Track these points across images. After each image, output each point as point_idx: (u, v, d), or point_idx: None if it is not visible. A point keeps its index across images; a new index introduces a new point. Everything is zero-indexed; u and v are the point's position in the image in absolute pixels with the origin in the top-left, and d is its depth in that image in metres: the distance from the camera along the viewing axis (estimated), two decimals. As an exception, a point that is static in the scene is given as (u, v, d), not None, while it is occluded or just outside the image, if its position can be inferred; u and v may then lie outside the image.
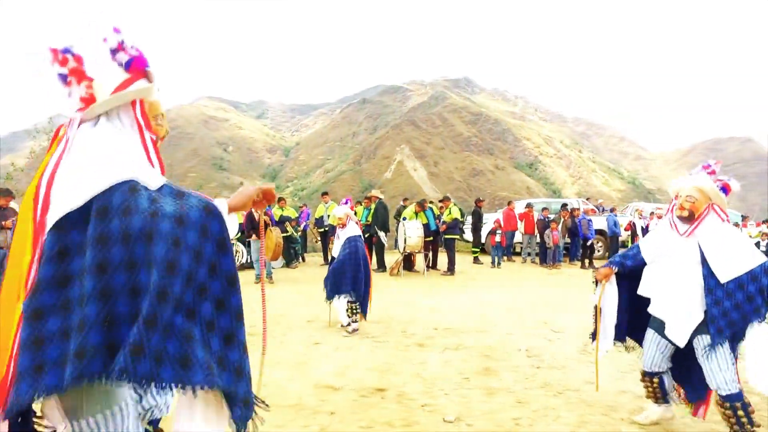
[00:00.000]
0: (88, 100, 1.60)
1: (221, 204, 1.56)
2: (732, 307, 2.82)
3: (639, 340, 3.44)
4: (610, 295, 3.36)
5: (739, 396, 2.81)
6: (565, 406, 3.64)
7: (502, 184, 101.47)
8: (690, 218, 2.99)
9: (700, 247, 2.94)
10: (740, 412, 2.81)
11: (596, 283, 3.42)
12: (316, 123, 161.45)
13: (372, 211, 11.21)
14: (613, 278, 3.35)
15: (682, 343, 2.99)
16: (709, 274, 2.89)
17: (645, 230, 13.94)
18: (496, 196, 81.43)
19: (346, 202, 6.59)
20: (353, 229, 5.98)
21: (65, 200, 1.43)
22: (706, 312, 2.91)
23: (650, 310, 3.19)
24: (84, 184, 1.43)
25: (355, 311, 5.74)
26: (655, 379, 3.26)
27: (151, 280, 1.37)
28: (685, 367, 3.21)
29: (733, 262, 2.86)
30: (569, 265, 13.23)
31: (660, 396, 3.29)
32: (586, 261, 12.99)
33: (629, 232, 14.35)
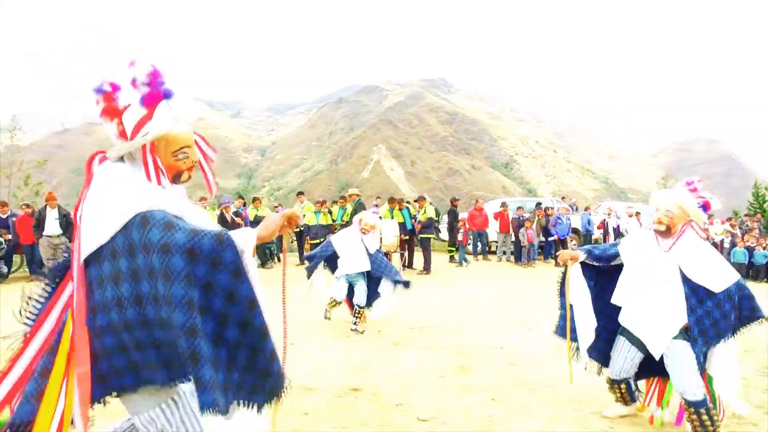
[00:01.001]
0: (123, 135, 1.72)
1: (250, 236, 1.62)
2: (710, 325, 2.90)
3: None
4: (576, 279, 3.34)
5: (704, 402, 2.88)
6: (538, 402, 3.68)
7: (479, 183, 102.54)
8: (666, 233, 3.04)
9: (680, 265, 2.99)
10: (704, 417, 2.89)
11: (564, 272, 3.42)
12: (293, 122, 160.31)
13: (347, 211, 11.19)
14: (578, 265, 3.35)
15: (658, 355, 3.03)
16: (690, 293, 2.94)
17: (617, 229, 14.23)
18: (473, 195, 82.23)
19: (376, 211, 6.55)
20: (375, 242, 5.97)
21: (92, 238, 1.61)
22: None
23: (625, 322, 3.21)
24: (104, 222, 1.59)
25: (357, 314, 5.75)
26: (623, 386, 3.31)
27: (174, 320, 1.51)
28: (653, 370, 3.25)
29: (714, 279, 2.92)
30: (544, 263, 13.42)
31: (628, 400, 3.36)
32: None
33: (602, 231, 14.62)
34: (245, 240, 1.60)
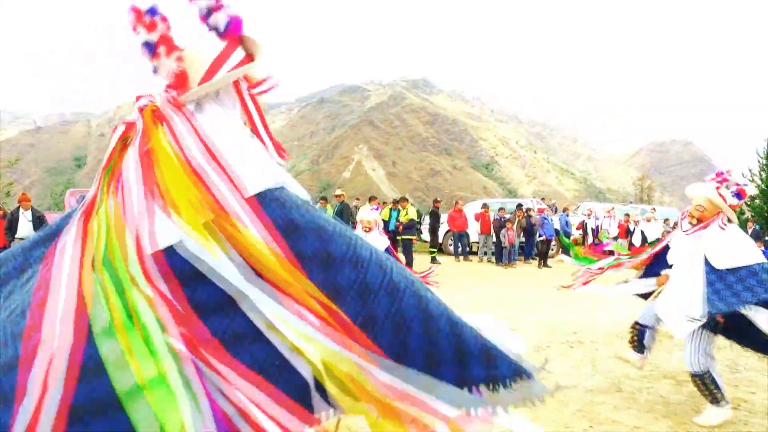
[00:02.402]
0: (180, 77, 1.33)
1: None
2: (731, 295, 3.03)
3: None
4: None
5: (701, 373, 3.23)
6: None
7: (460, 184, 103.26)
8: (698, 224, 3.25)
9: (703, 247, 3.19)
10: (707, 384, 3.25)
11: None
12: (274, 122, 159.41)
13: (329, 212, 11.16)
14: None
15: (679, 335, 3.17)
16: (710, 270, 3.13)
17: (595, 230, 14.46)
18: (454, 195, 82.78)
19: (377, 208, 6.36)
20: (380, 239, 5.48)
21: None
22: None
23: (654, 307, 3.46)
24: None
25: None
26: (706, 380, 3.29)
27: None
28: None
29: (731, 256, 3.10)
30: (524, 264, 13.56)
31: (719, 396, 3.31)
32: (541, 260, 13.34)
33: (581, 231, 14.86)
34: None
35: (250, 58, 1.42)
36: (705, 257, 3.18)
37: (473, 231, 13.98)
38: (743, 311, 3.01)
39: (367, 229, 5.61)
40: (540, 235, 13.38)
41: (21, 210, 9.14)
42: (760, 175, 23.28)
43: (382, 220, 11.05)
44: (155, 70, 1.34)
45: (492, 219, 13.31)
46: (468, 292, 9.02)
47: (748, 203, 22.12)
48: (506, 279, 10.95)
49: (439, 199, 14.16)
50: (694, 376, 3.32)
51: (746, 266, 3.06)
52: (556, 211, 16.60)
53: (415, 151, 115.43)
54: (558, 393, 3.90)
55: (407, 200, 11.81)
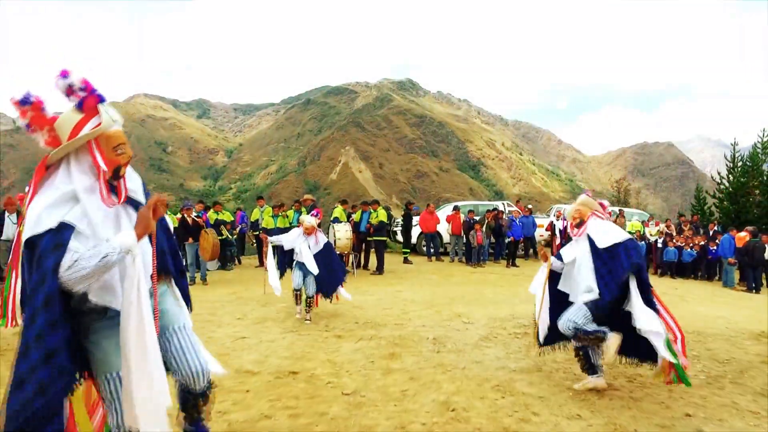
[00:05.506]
0: (53, 142, 1.88)
1: (129, 237, 1.84)
2: (607, 273, 3.87)
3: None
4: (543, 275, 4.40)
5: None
6: (449, 380, 4.32)
7: (446, 185, 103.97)
8: (580, 225, 4.18)
9: (589, 239, 4.04)
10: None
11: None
12: (260, 123, 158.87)
13: (303, 214, 11.69)
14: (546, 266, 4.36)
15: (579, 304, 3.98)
16: (596, 258, 3.95)
17: (562, 231, 15.14)
18: (441, 197, 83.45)
19: (316, 214, 7.23)
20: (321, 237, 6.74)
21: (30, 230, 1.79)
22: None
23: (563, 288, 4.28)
24: (40, 223, 1.78)
25: (308, 306, 6.58)
26: (581, 353, 4.16)
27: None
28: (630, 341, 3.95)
29: (607, 238, 3.96)
30: (494, 264, 14.20)
31: (588, 367, 4.13)
32: (509, 260, 13.99)
33: (549, 233, 15.54)
34: (121, 239, 1.82)
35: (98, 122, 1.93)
36: (590, 247, 4.01)
37: (445, 232, 14.62)
38: (626, 308, 3.88)
39: (307, 232, 6.57)
40: (508, 236, 14.05)
41: (6, 213, 9.57)
42: (728, 177, 24.11)
43: (354, 221, 11.71)
44: (39, 139, 1.91)
45: (462, 221, 13.92)
46: (431, 290, 9.59)
47: (717, 205, 22.95)
48: (472, 278, 11.55)
49: (412, 202, 14.79)
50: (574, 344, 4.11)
51: (617, 242, 3.91)
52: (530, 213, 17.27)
53: (401, 153, 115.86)
54: (485, 372, 4.55)
55: (378, 203, 12.38)
